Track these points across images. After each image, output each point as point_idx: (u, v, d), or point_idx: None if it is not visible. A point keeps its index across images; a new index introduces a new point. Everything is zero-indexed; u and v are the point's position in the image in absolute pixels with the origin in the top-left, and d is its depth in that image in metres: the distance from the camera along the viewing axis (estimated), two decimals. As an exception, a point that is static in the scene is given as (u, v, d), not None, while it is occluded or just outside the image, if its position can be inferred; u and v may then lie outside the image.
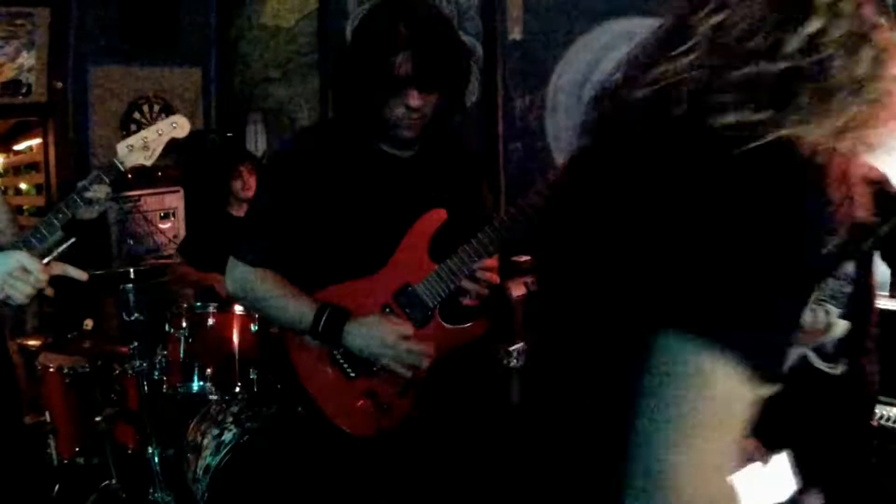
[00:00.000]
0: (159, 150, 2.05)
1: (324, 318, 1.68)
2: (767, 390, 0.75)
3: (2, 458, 2.00)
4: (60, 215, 1.92)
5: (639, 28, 3.74)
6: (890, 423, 2.39)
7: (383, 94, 1.61)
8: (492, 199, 1.97)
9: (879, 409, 2.41)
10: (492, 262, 1.73)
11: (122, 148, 2.01)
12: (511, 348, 2.54)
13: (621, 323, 0.85)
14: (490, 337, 2.51)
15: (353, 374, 1.74)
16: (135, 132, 3.64)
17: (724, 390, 0.73)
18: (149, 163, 2.03)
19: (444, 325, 1.75)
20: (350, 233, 1.72)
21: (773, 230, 0.74)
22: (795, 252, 0.74)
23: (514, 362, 2.54)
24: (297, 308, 1.72)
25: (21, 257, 1.68)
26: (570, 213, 1.00)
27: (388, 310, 1.74)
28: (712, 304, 0.75)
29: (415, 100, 1.60)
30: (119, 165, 2.00)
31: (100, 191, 1.94)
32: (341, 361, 1.74)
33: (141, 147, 2.01)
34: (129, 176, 2.03)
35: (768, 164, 0.76)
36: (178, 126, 2.06)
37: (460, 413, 1.86)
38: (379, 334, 1.67)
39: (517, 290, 2.61)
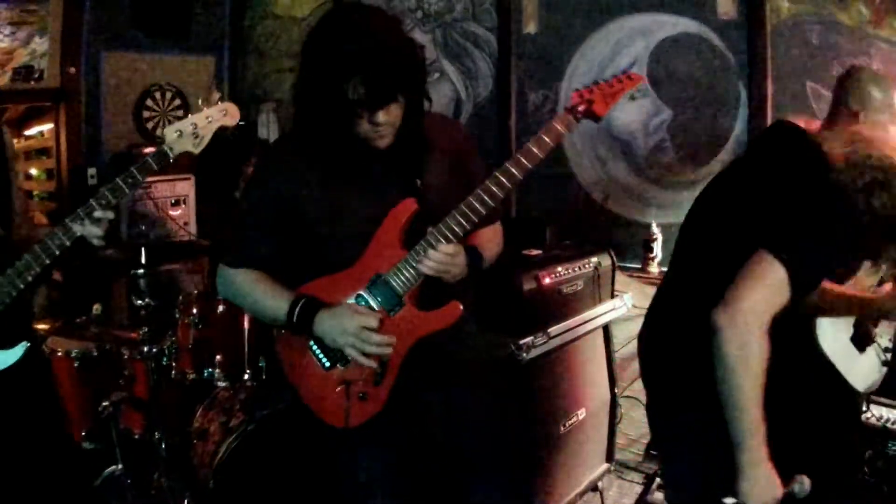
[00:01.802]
0: (208, 137, 1.93)
1: (297, 309, 1.75)
2: (785, 301, 1.47)
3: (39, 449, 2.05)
4: (107, 199, 1.88)
5: (654, 24, 3.74)
6: (890, 424, 2.38)
7: (344, 119, 1.64)
8: (484, 169, 1.91)
9: (879, 410, 2.41)
10: (449, 247, 1.71)
11: (170, 133, 1.89)
12: (521, 342, 2.53)
13: (736, 243, 1.55)
14: (500, 330, 2.53)
15: (328, 365, 1.79)
16: (148, 119, 3.61)
17: (774, 280, 1.47)
18: (197, 150, 1.92)
19: (416, 311, 1.75)
20: (328, 228, 1.76)
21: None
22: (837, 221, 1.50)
23: (524, 356, 2.53)
24: (274, 301, 1.79)
25: None
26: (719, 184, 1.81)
27: (361, 300, 1.76)
28: (786, 234, 1.50)
29: (377, 117, 1.64)
30: (168, 152, 1.89)
31: (104, 216, 1.87)
32: (317, 352, 1.79)
33: (190, 133, 1.89)
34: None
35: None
36: (228, 113, 1.95)
37: (442, 400, 1.86)
38: (340, 323, 1.71)
39: (527, 284, 2.60)
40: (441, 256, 1.69)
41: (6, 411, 1.95)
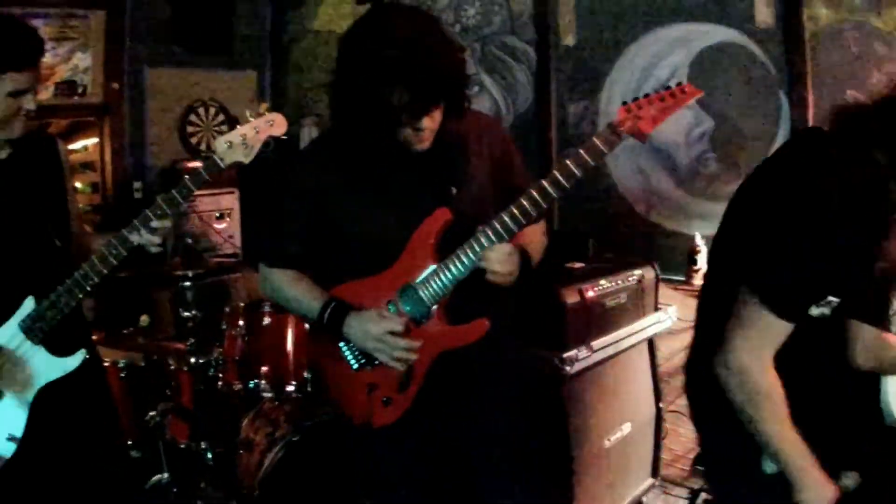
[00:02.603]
0: (257, 147, 1.97)
1: (328, 311, 1.79)
2: (783, 330, 1.43)
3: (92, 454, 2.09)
4: (162, 209, 1.92)
5: (692, 34, 3.70)
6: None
7: (387, 125, 1.62)
8: (525, 175, 1.91)
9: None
10: (506, 247, 1.68)
11: (220, 144, 1.93)
12: (565, 355, 2.51)
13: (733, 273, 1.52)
14: (543, 343, 2.52)
15: (356, 366, 1.82)
16: (192, 134, 3.68)
17: (759, 320, 1.43)
18: (247, 160, 1.96)
19: (443, 324, 1.75)
20: (359, 233, 1.78)
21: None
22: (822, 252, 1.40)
23: (567, 370, 2.51)
24: (308, 302, 1.84)
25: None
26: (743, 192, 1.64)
27: (391, 307, 1.77)
28: (762, 265, 1.45)
29: (421, 123, 1.63)
30: (219, 162, 1.94)
31: (161, 227, 1.92)
32: (346, 353, 1.83)
33: (240, 144, 1.94)
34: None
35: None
36: (275, 123, 1.99)
37: (468, 412, 1.87)
38: (367, 328, 1.73)
39: (570, 298, 2.58)
40: (500, 256, 1.67)
41: (64, 417, 2.00)
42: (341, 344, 1.82)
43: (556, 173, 1.63)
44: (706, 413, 1.73)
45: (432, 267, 1.73)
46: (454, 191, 1.74)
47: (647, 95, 1.61)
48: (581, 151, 1.61)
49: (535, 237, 1.89)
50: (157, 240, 1.92)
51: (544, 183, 1.64)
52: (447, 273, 1.71)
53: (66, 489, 2.02)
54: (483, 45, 4.21)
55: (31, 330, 1.91)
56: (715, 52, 3.44)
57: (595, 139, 1.62)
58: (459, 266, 1.70)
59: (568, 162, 1.62)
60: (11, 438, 1.90)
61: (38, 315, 1.91)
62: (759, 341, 1.44)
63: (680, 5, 3.50)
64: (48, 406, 1.95)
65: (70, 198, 2.14)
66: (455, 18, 4.30)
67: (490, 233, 1.67)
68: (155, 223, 1.90)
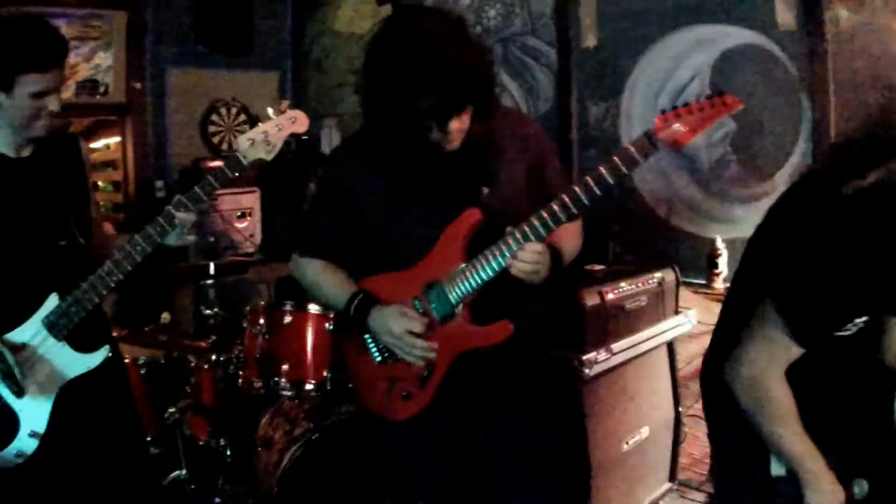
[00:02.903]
0: (279, 144, 1.97)
1: (354, 303, 1.82)
2: (797, 352, 1.44)
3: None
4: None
5: (714, 35, 3.66)
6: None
7: (416, 128, 1.63)
8: (560, 174, 1.90)
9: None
10: (538, 246, 1.67)
11: (242, 142, 1.95)
12: (584, 358, 2.50)
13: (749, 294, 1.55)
14: (560, 344, 2.51)
15: (379, 359, 1.85)
16: (213, 134, 3.71)
17: (773, 336, 1.45)
18: (269, 157, 1.97)
19: (467, 324, 1.76)
20: (393, 228, 1.80)
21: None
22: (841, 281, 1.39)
23: (587, 372, 2.50)
24: (336, 292, 1.88)
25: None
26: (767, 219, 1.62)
27: (416, 303, 1.78)
28: (787, 285, 1.46)
29: (450, 126, 1.63)
30: (242, 159, 1.95)
31: (186, 219, 1.95)
32: (370, 345, 1.86)
33: (262, 141, 1.94)
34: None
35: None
36: (297, 121, 1.99)
37: (488, 411, 1.87)
38: (387, 324, 1.76)
39: (590, 300, 2.57)
40: (530, 255, 1.66)
41: (86, 414, 2.01)
42: (367, 336, 1.85)
43: (589, 179, 1.61)
44: (717, 414, 1.73)
45: (461, 266, 1.73)
46: (485, 191, 1.74)
47: (686, 104, 1.54)
48: (615, 159, 1.58)
49: (570, 237, 1.86)
50: (190, 238, 1.95)
51: (576, 188, 1.63)
52: (475, 273, 1.71)
53: (86, 485, 2.04)
54: (504, 47, 4.20)
55: (54, 326, 1.93)
56: (737, 53, 3.41)
57: (630, 147, 1.57)
58: (487, 267, 1.70)
59: (601, 168, 1.60)
60: (33, 434, 1.92)
61: (62, 312, 1.93)
62: (772, 357, 1.47)
63: (701, 7, 3.48)
64: (70, 402, 1.97)
65: (92, 197, 2.17)
66: (476, 20, 4.30)
67: (519, 235, 1.67)
68: (181, 214, 1.92)
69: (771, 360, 1.46)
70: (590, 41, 3.91)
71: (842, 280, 1.39)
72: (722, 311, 1.76)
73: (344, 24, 5.08)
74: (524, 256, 1.66)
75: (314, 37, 5.26)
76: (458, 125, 1.65)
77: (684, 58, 3.60)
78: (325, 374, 2.73)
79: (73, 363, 1.96)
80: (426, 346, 1.75)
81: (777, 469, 1.52)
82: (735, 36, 3.40)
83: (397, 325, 1.74)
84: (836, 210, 1.41)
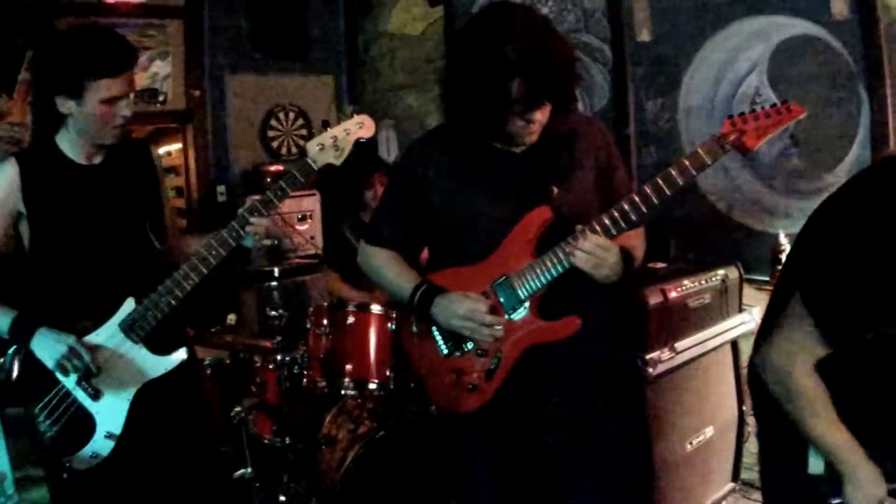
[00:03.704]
0: (348, 149, 2.02)
1: (419, 293, 1.84)
2: (823, 350, 1.43)
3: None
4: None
5: (770, 27, 3.57)
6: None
7: (501, 116, 1.67)
8: (627, 181, 1.93)
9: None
10: (601, 239, 1.69)
11: (312, 147, 2.00)
12: (648, 357, 2.48)
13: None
14: (623, 343, 2.49)
15: (445, 351, 1.87)
16: (272, 138, 3.77)
17: (802, 328, 1.44)
18: (338, 162, 2.02)
19: (536, 319, 1.78)
20: (462, 223, 1.83)
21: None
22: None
23: (650, 371, 2.48)
24: (400, 283, 1.90)
25: None
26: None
27: (485, 297, 1.80)
28: (817, 279, 1.44)
29: (533, 115, 1.67)
30: (312, 164, 2.01)
31: (258, 225, 2.00)
32: (437, 337, 1.88)
33: (331, 146, 2.00)
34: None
35: None
36: (363, 125, 2.04)
37: (554, 406, 1.86)
38: (451, 306, 1.78)
39: (653, 298, 2.55)
40: (591, 246, 1.68)
41: (162, 415, 2.05)
42: (433, 328, 1.88)
43: (660, 180, 1.66)
44: (760, 408, 1.72)
45: (530, 262, 1.76)
46: (556, 190, 1.77)
47: (752, 111, 1.63)
48: (685, 161, 1.65)
49: (637, 242, 1.89)
50: (267, 242, 1.99)
51: (647, 188, 1.67)
52: (544, 269, 1.74)
53: (158, 485, 2.06)
54: (558, 44, 4.17)
55: (131, 330, 1.97)
56: (793, 44, 3.33)
57: (699, 150, 1.65)
58: (557, 263, 1.73)
59: (671, 170, 1.66)
60: (109, 436, 1.95)
61: (139, 315, 1.97)
62: (799, 348, 1.46)
63: (757, -2, 3.41)
64: (146, 404, 2.00)
65: (165, 202, 2.22)
66: (528, 16, 4.28)
67: (588, 233, 1.69)
68: (254, 221, 1.98)
69: (798, 350, 1.46)
70: (644, 35, 3.86)
71: (870, 282, 1.38)
72: (763, 316, 1.75)
73: (397, 27, 5.12)
74: (584, 246, 1.68)
75: (368, 40, 5.31)
76: (541, 117, 1.69)
77: (741, 50, 3.53)
78: (388, 373, 2.76)
79: (151, 365, 2.00)
80: (495, 319, 1.76)
81: (815, 467, 1.49)
82: (790, 27, 3.31)
83: (462, 306, 1.77)
84: (871, 209, 1.41)
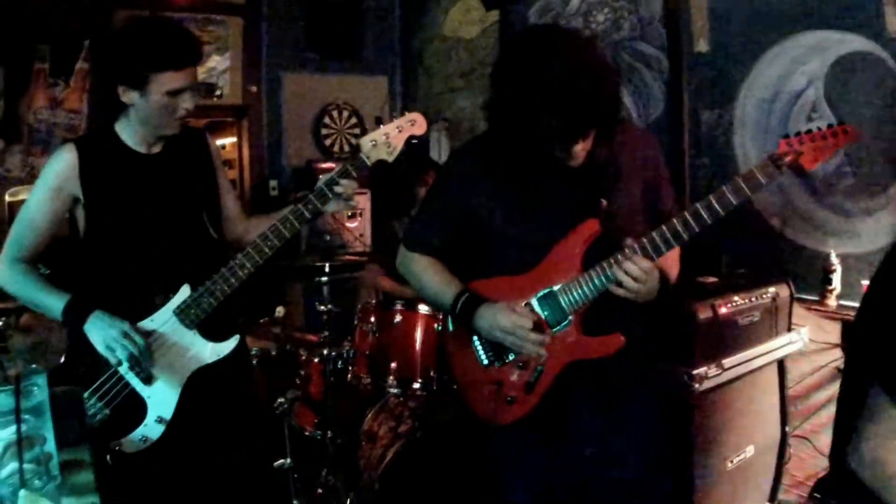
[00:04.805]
0: (400, 146, 2.03)
1: (461, 301, 1.83)
2: None
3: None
4: (311, 206, 2.03)
5: (827, 42, 3.50)
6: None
7: (541, 147, 1.64)
8: (673, 198, 1.91)
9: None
10: (646, 263, 1.67)
11: (365, 143, 2.02)
12: (695, 372, 2.45)
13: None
14: (670, 357, 2.47)
15: (486, 362, 1.86)
16: (325, 136, 3.81)
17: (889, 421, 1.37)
18: (390, 158, 2.03)
19: (578, 334, 1.76)
20: (508, 233, 1.81)
21: None
22: None
23: (696, 387, 2.45)
24: (441, 290, 1.89)
25: None
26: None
27: (529, 309, 1.78)
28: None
29: (574, 147, 1.64)
30: (365, 160, 2.02)
31: (348, 186, 2.03)
32: (478, 347, 1.87)
33: (384, 143, 2.01)
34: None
35: None
36: (415, 123, 2.05)
37: (595, 421, 1.86)
38: (497, 318, 1.75)
39: (703, 313, 2.52)
40: (639, 272, 1.67)
41: (213, 401, 2.08)
42: (474, 338, 1.87)
43: (713, 199, 1.63)
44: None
45: (576, 276, 1.74)
46: (604, 203, 1.75)
47: (808, 131, 1.60)
48: (739, 180, 1.62)
49: (672, 263, 1.87)
50: (352, 203, 2.07)
51: (699, 207, 1.64)
52: (590, 284, 1.72)
53: (205, 470, 2.08)
54: (614, 52, 4.15)
55: (185, 316, 2.00)
56: (850, 60, 3.26)
57: (755, 170, 1.62)
58: (604, 277, 1.71)
59: (724, 189, 1.63)
60: (160, 420, 1.98)
61: (194, 302, 2.00)
62: (889, 433, 1.40)
63: (813, 12, 3.34)
64: (198, 390, 2.02)
65: (223, 190, 2.22)
66: (584, 24, 4.27)
67: (638, 249, 1.67)
68: (342, 186, 2.02)
69: (888, 435, 1.40)
70: (702, 46, 3.81)
71: None
72: (838, 399, 1.68)
73: (451, 30, 5.14)
74: (631, 269, 1.66)
75: (422, 42, 5.35)
76: (582, 146, 1.67)
77: (799, 64, 3.47)
78: (432, 373, 2.79)
79: (204, 352, 2.03)
80: (540, 337, 1.74)
81: None
82: (847, 42, 3.25)
83: (506, 319, 1.74)
84: None
